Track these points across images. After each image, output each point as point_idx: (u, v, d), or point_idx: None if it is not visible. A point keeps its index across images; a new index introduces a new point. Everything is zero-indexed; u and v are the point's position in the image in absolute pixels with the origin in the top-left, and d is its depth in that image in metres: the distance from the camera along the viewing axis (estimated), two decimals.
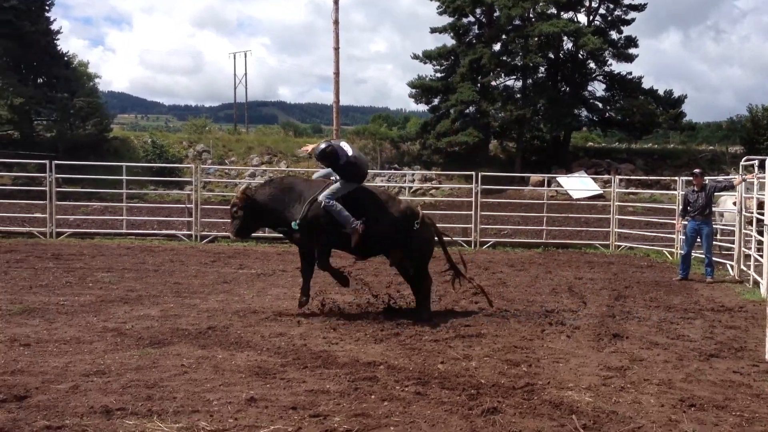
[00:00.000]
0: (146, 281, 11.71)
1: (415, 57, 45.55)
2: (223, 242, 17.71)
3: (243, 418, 5.23)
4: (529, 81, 44.44)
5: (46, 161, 18.03)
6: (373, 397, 5.78)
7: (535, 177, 33.73)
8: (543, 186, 28.27)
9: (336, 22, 18.92)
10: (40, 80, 42.92)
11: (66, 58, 43.76)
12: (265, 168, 39.67)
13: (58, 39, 43.36)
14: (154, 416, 5.24)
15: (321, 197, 9.01)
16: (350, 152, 9.55)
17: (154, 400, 5.58)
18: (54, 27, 43.19)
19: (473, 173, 18.38)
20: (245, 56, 73.68)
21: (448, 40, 45.80)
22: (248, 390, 5.87)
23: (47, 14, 42.87)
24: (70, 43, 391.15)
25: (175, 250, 16.16)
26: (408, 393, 5.89)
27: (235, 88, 69.81)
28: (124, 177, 19.18)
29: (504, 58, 43.33)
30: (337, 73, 19.22)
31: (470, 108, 43.66)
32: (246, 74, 70.22)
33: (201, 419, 5.20)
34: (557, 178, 36.83)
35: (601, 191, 32.88)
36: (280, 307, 9.63)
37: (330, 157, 9.45)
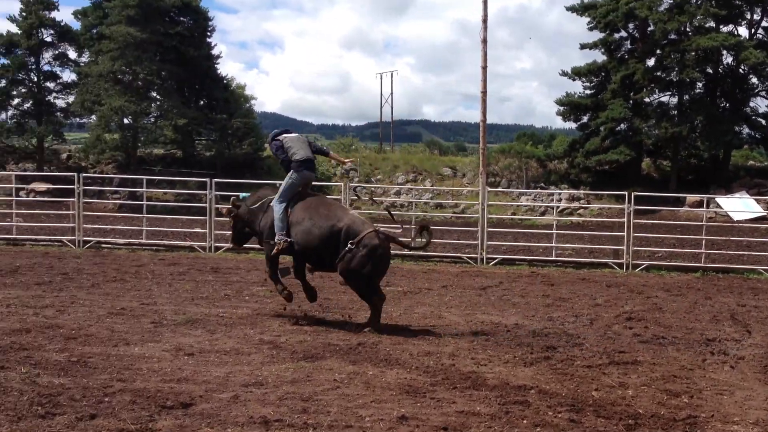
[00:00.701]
0: (299, 296, 12.06)
1: (564, 74, 44.71)
2: None
3: None
4: (686, 97, 42.48)
5: (207, 179, 19.04)
6: (525, 421, 5.69)
7: (692, 197, 32.18)
8: (701, 207, 26.96)
9: (484, 41, 18.87)
10: (201, 102, 45.44)
11: (225, 81, 46.17)
12: (410, 186, 40.08)
13: (218, 63, 45.88)
14: (309, 429, 5.39)
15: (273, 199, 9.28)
16: (298, 153, 10.08)
17: (310, 413, 5.74)
18: (214, 52, 45.74)
19: (625, 193, 17.79)
20: (391, 76, 75.11)
21: (598, 56, 44.70)
22: (399, 408, 5.93)
23: (209, 39, 45.45)
24: (227, 67, 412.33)
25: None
26: (561, 420, 5.76)
27: (381, 107, 71.17)
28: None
29: (658, 73, 41.69)
30: (484, 92, 19.14)
31: (621, 125, 42.26)
32: (392, 93, 71.48)
33: None
34: (716, 199, 34.97)
35: (764, 213, 30.93)
36: (427, 325, 9.68)
37: (273, 149, 10.16)
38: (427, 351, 8.09)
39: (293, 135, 10.69)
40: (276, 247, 9.47)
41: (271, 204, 9.79)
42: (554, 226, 19.42)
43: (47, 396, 5.98)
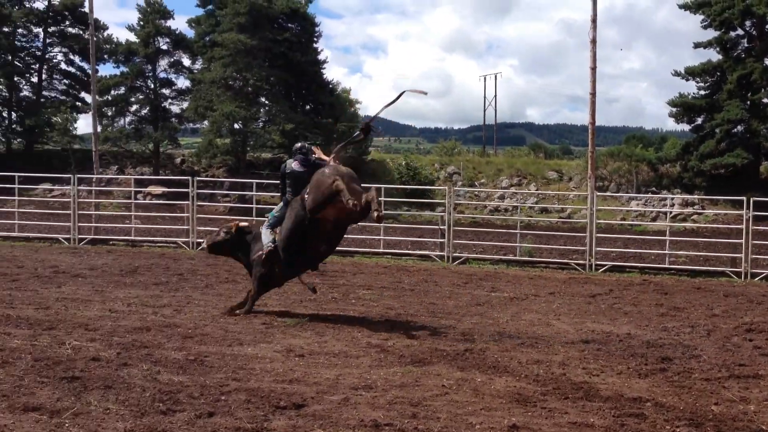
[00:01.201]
0: (403, 300, 12.14)
1: (677, 74, 43.14)
2: (474, 264, 17.93)
3: None
4: None
5: None
6: None
7: None
8: None
9: (593, 41, 18.42)
10: (307, 107, 46.35)
11: (330, 86, 46.94)
12: (514, 190, 39.62)
13: (324, 68, 46.67)
14: None
15: None
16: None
17: (419, 419, 5.75)
18: (321, 57, 46.58)
19: (743, 198, 17.02)
20: (495, 78, 74.56)
21: (712, 55, 42.95)
22: (509, 416, 5.86)
23: (315, 45, 46.34)
24: (332, 72, 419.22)
25: (428, 270, 16.61)
26: None
27: (484, 110, 70.71)
28: (383, 198, 20.08)
29: None
30: (593, 93, 18.67)
31: (738, 127, 40.46)
32: (495, 96, 70.89)
33: None
34: None
35: None
36: (535, 333, 9.53)
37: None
38: (537, 359, 7.97)
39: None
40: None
41: None
42: (667, 232, 18.76)
43: (168, 393, 6.22)
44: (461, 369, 7.46)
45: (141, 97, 46.31)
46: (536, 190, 40.37)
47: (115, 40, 47.31)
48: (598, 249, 17.76)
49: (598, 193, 19.81)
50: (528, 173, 44.01)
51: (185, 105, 46.07)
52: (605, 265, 17.12)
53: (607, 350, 8.53)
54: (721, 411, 6.21)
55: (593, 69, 18.78)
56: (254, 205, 22.27)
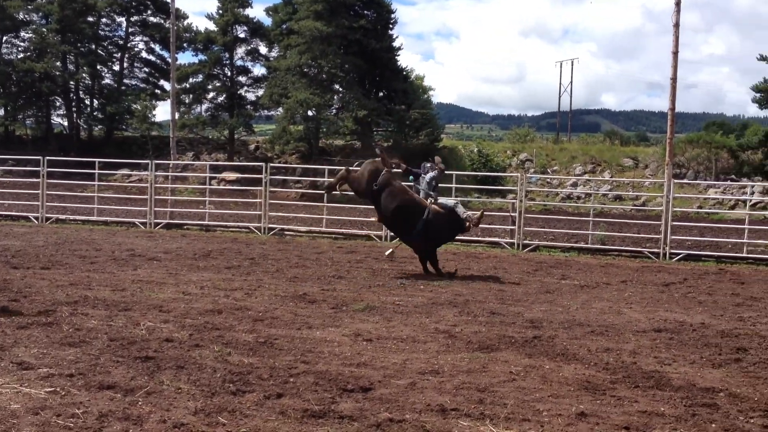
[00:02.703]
0: (472, 287, 12.10)
1: (763, 58, 41.49)
2: (545, 252, 17.72)
3: None
4: None
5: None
6: (713, 425, 5.39)
7: None
8: None
9: (676, 25, 17.90)
10: (380, 94, 46.42)
11: (404, 73, 46.86)
12: (588, 177, 38.91)
13: (398, 55, 46.61)
14: (486, 420, 5.39)
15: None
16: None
17: (486, 404, 5.74)
18: (395, 44, 46.49)
19: None
20: (572, 64, 73.15)
21: None
22: (578, 404, 5.80)
23: (390, 32, 46.31)
24: (405, 58, 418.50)
25: (498, 257, 16.49)
26: (754, 425, 5.40)
27: (559, 97, 69.59)
28: (454, 185, 19.99)
29: None
30: (674, 79, 18.15)
31: None
32: (571, 82, 69.64)
33: (531, 428, 5.24)
34: None
35: None
36: (606, 321, 9.38)
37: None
38: (607, 347, 7.85)
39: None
40: None
41: None
42: (746, 220, 18.13)
43: (238, 374, 6.37)
44: (529, 356, 7.41)
45: (218, 84, 47.17)
46: (611, 177, 39.56)
47: (195, 28, 48.37)
48: (673, 237, 17.33)
49: (675, 181, 19.29)
50: (602, 160, 43.17)
51: (260, 92, 46.76)
52: (680, 254, 16.70)
53: (680, 339, 8.34)
54: None
55: (675, 53, 18.28)
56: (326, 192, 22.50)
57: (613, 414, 5.59)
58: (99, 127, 48.80)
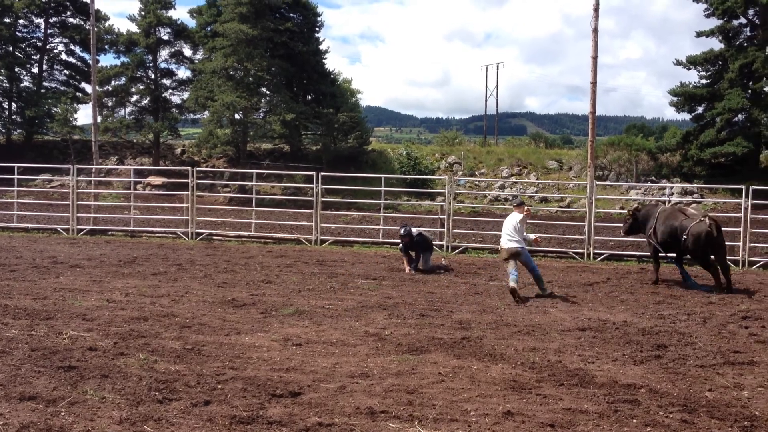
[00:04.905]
0: (402, 289, 12.17)
1: (678, 63, 42.99)
2: (473, 253, 17.95)
3: None
4: None
5: (313, 173, 19.42)
6: (634, 421, 5.55)
7: None
8: None
9: (595, 31, 18.37)
10: (308, 97, 46.27)
11: (332, 76, 46.80)
12: (515, 180, 39.60)
13: (325, 58, 46.52)
14: (415, 421, 5.43)
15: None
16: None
17: (415, 406, 5.78)
18: (322, 47, 46.41)
19: (742, 187, 17.01)
20: (497, 68, 74.33)
21: (714, 44, 42.80)
22: (504, 403, 5.90)
23: (317, 35, 46.20)
24: (332, 61, 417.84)
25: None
26: (673, 420, 5.58)
27: (486, 100, 70.62)
28: (382, 188, 20.06)
29: None
30: (594, 83, 18.62)
31: (739, 116, 40.37)
32: (497, 86, 70.76)
33: (459, 429, 5.30)
34: None
35: None
36: (532, 321, 9.56)
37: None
38: (533, 347, 8.00)
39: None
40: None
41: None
42: None
43: (164, 382, 6.25)
44: (458, 357, 7.50)
45: (141, 87, 46.22)
46: (536, 179, 40.35)
47: (116, 30, 47.29)
48: (597, 238, 17.78)
49: (598, 183, 19.79)
50: (528, 163, 43.98)
51: (186, 95, 46.00)
52: (603, 254, 17.15)
53: (603, 338, 8.56)
54: (715, 397, 6.24)
55: (594, 58, 18.73)
56: (254, 196, 22.31)
57: (538, 412, 5.70)
58: (18, 131, 47.20)
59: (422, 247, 14.78)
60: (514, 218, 11.97)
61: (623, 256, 17.23)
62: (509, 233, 11.80)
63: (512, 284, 11.20)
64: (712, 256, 12.47)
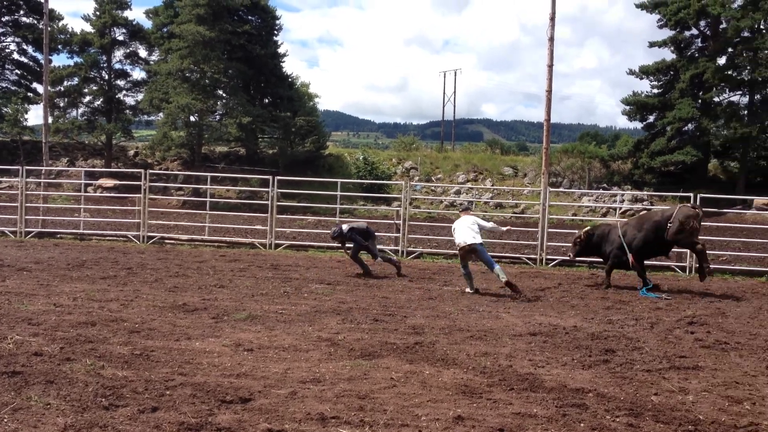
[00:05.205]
0: (356, 294, 12.16)
1: (631, 72, 43.82)
2: (428, 258, 18.01)
3: None
4: (757, 97, 41.13)
5: (269, 176, 19.30)
6: (582, 425, 5.61)
7: (759, 200, 31.30)
8: None
9: (551, 39, 18.62)
10: (266, 100, 46.00)
11: (290, 80, 46.60)
12: (471, 185, 39.87)
13: (283, 61, 46.32)
14: (366, 427, 5.42)
15: None
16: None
17: (366, 411, 5.77)
18: (280, 50, 46.17)
19: (690, 194, 17.37)
20: (455, 74, 74.82)
21: (666, 54, 43.74)
22: (455, 408, 5.91)
23: (275, 38, 45.96)
24: (290, 65, 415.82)
25: (383, 264, 16.60)
26: (619, 424, 5.66)
27: (443, 106, 71.07)
28: (339, 192, 20.04)
29: (729, 72, 40.45)
30: (549, 91, 18.87)
31: (689, 125, 41.32)
32: (455, 92, 71.23)
33: None
34: None
35: None
36: (485, 326, 9.62)
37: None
38: (484, 351, 8.05)
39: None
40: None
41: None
42: None
43: (111, 388, 6.14)
44: (410, 362, 7.50)
45: (95, 88, 45.43)
46: (492, 185, 40.69)
47: (70, 30, 46.40)
48: (549, 244, 17.99)
49: (552, 189, 20.05)
50: (484, 169, 44.34)
51: (140, 97, 45.38)
52: (555, 260, 17.35)
53: (554, 342, 8.66)
54: (661, 401, 6.35)
55: (550, 67, 18.98)
56: (208, 199, 22.10)
57: (488, 416, 5.73)
58: None
59: (362, 238, 14.67)
60: (468, 219, 12.97)
61: (575, 261, 17.45)
62: (474, 231, 12.84)
63: (470, 290, 12.61)
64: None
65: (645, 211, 16.87)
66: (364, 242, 14.66)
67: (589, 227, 14.62)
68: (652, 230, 13.24)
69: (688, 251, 16.60)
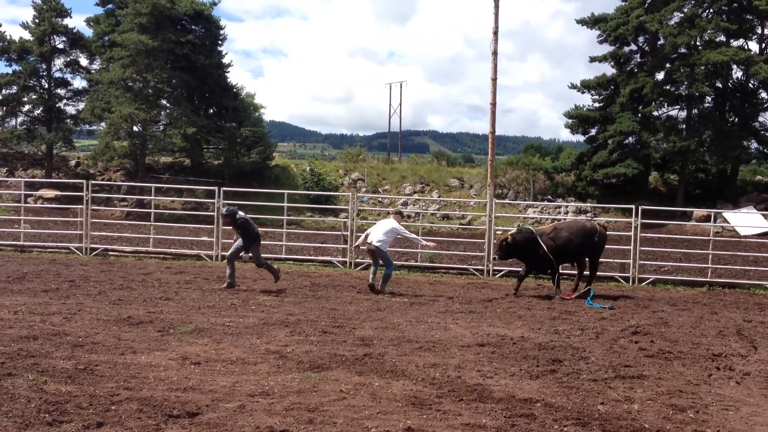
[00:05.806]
0: (304, 306, 12.10)
1: (573, 86, 44.70)
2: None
3: None
4: (695, 111, 42.34)
5: (215, 188, 19.11)
6: None
7: (699, 212, 32.15)
8: (708, 221, 26.92)
9: (494, 53, 18.89)
10: (210, 110, 45.50)
11: (234, 90, 46.23)
12: (417, 197, 40.07)
13: (228, 71, 45.91)
14: None
15: None
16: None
17: (316, 424, 5.75)
18: (225, 60, 45.75)
19: (632, 206, 17.76)
20: (400, 86, 75.25)
21: (607, 69, 44.76)
22: (405, 419, 5.93)
23: (219, 48, 45.56)
24: (235, 75, 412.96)
25: (330, 276, 16.60)
26: None
27: (390, 118, 71.37)
28: (285, 204, 19.93)
29: (667, 87, 41.55)
30: (493, 104, 19.13)
31: (629, 139, 42.33)
32: (401, 104, 71.69)
33: None
34: (723, 214, 34.87)
35: None
36: (433, 337, 9.67)
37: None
38: (434, 363, 8.09)
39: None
40: None
41: None
42: None
43: (54, 403, 6.00)
44: (359, 374, 7.50)
45: (34, 96, 44.30)
46: (438, 197, 40.96)
47: (8, 37, 45.18)
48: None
49: (497, 201, 20.28)
50: (431, 180, 44.62)
51: (81, 106, 44.41)
52: (502, 271, 17.54)
53: (501, 353, 8.75)
54: (607, 410, 6.47)
55: (494, 80, 19.24)
56: (153, 210, 21.77)
57: (438, 428, 5.76)
58: None
59: (249, 235, 13.90)
60: (388, 223, 13.97)
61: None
62: (383, 235, 13.85)
63: (370, 280, 14.02)
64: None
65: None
66: (252, 243, 13.94)
67: (512, 231, 14.89)
68: (580, 235, 14.44)
69: (631, 261, 16.97)
